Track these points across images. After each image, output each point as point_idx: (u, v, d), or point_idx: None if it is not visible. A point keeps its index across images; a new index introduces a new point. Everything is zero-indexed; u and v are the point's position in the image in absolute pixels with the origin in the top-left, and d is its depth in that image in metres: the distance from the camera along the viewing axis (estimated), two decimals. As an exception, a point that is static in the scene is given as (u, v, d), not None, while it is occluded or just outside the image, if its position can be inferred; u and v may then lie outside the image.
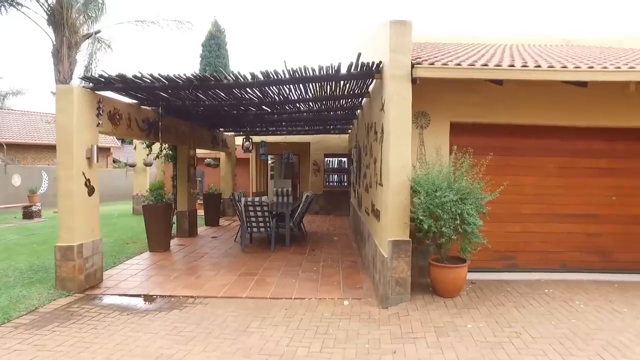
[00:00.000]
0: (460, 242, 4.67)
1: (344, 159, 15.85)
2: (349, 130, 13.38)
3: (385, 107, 5.08)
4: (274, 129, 12.00)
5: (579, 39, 10.02)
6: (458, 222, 4.47)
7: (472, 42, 9.21)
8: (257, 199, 7.93)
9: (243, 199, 7.97)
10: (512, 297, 4.92)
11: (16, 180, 15.41)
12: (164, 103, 7.05)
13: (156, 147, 9.14)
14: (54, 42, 15.23)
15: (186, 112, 8.43)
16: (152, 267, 6.88)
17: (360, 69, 5.37)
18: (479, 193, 4.65)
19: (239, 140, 14.64)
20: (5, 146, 17.02)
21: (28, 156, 22.81)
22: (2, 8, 13.58)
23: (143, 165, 14.58)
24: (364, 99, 7.79)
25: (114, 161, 26.08)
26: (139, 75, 5.43)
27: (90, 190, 5.72)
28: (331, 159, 15.50)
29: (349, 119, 10.36)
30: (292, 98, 6.94)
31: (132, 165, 14.64)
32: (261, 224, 8.09)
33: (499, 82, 5.19)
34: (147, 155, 9.83)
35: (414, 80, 4.81)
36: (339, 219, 13.62)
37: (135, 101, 7.13)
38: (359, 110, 9.06)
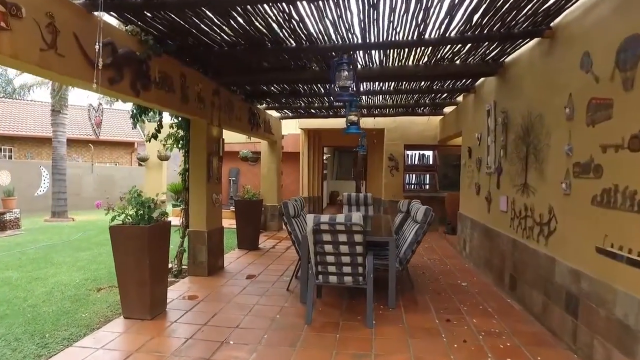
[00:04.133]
0: None
1: (428, 153, 11.50)
2: (445, 110, 9.10)
3: None
4: (348, 97, 7.69)
5: None
6: None
7: None
8: (339, 217, 3.79)
9: (312, 219, 3.83)
10: None
11: (4, 178, 12.12)
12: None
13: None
14: None
15: (201, 49, 4.46)
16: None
17: None
18: None
19: (287, 127, 10.64)
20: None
21: (43, 151, 20.00)
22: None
23: (158, 159, 10.97)
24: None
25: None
26: None
27: None
28: (411, 153, 11.17)
29: (477, 76, 6.08)
30: None
31: (143, 160, 10.99)
32: (346, 269, 3.94)
33: None
34: (163, 145, 6.04)
35: None
36: (431, 236, 9.29)
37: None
38: (519, 50, 4.78)
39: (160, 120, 5.25)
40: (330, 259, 3.91)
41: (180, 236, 5.81)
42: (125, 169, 20.23)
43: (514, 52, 4.93)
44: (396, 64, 5.44)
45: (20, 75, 32.06)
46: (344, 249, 3.84)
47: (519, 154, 4.82)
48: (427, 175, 11.91)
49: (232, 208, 11.67)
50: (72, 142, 20.97)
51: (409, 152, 10.93)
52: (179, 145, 5.87)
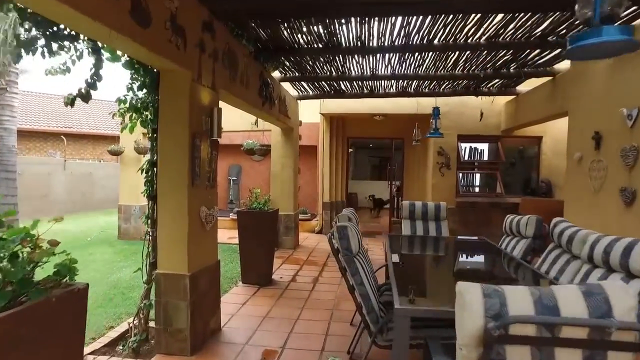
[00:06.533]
0: None
1: (482, 147, 9.01)
2: (518, 89, 6.61)
3: None
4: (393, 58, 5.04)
5: None
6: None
7: None
8: (562, 297, 1.30)
9: (480, 301, 1.32)
10: None
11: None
12: None
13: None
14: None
15: None
16: None
17: None
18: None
19: (306, 113, 8.14)
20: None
21: (23, 147, 17.43)
22: None
23: (135, 152, 8.46)
24: None
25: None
26: None
27: None
28: (466, 146, 8.66)
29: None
30: None
31: (116, 154, 8.49)
32: None
33: None
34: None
35: None
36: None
37: None
38: None
39: (97, 65, 2.71)
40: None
41: (143, 281, 3.32)
42: (109, 165, 17.63)
43: None
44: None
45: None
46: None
47: None
48: (479, 175, 9.46)
49: (232, 215, 9.20)
50: (48, 135, 18.43)
51: (463, 145, 8.43)
52: (144, 121, 3.37)
